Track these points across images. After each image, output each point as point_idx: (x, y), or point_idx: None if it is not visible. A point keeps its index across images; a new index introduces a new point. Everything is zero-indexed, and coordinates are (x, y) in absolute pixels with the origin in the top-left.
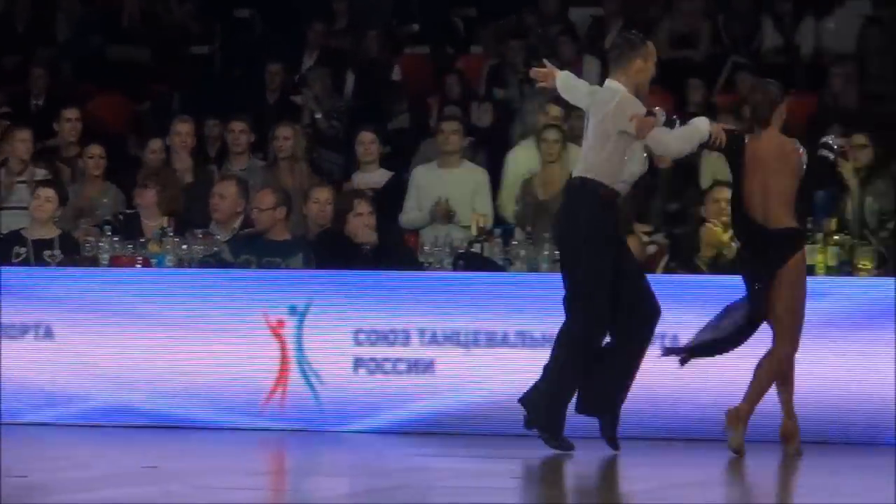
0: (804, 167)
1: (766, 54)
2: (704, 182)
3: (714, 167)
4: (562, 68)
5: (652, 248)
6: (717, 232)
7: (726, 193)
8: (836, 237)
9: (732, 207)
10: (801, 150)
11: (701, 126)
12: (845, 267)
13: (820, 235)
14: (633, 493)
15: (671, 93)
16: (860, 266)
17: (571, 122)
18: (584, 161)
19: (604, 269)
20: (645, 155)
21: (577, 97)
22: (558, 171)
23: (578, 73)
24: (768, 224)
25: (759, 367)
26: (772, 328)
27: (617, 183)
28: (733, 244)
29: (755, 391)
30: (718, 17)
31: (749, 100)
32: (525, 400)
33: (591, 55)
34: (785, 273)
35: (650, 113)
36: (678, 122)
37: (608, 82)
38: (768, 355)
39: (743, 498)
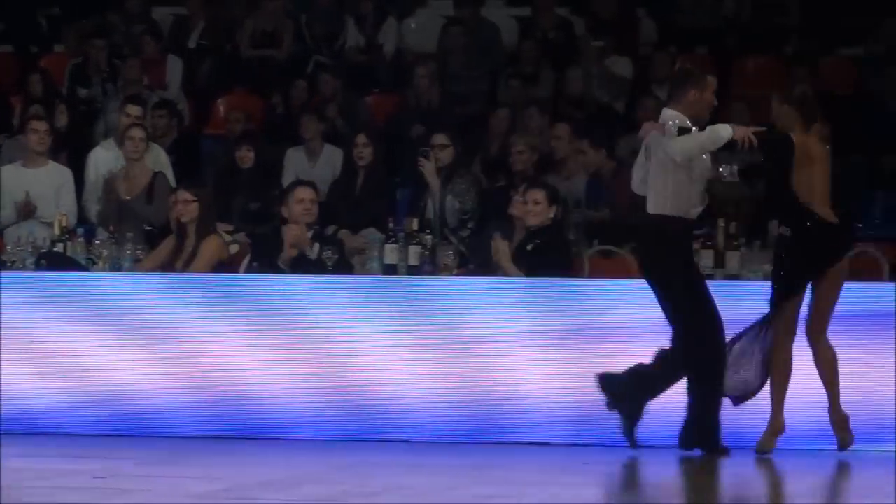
0: None
1: (349, 53)
2: (286, 181)
3: (296, 166)
4: (144, 67)
5: (234, 248)
6: (299, 232)
7: (310, 194)
8: (417, 236)
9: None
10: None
11: (719, 130)
12: (427, 266)
13: (402, 234)
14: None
15: (258, 94)
16: (443, 265)
17: (153, 121)
18: (656, 197)
19: (692, 287)
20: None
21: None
22: (141, 169)
23: (162, 73)
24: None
25: (820, 372)
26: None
27: (690, 212)
28: (315, 245)
29: (832, 391)
30: (301, 17)
31: (798, 99)
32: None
33: (174, 54)
34: (838, 270)
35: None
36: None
37: (664, 111)
38: (816, 355)
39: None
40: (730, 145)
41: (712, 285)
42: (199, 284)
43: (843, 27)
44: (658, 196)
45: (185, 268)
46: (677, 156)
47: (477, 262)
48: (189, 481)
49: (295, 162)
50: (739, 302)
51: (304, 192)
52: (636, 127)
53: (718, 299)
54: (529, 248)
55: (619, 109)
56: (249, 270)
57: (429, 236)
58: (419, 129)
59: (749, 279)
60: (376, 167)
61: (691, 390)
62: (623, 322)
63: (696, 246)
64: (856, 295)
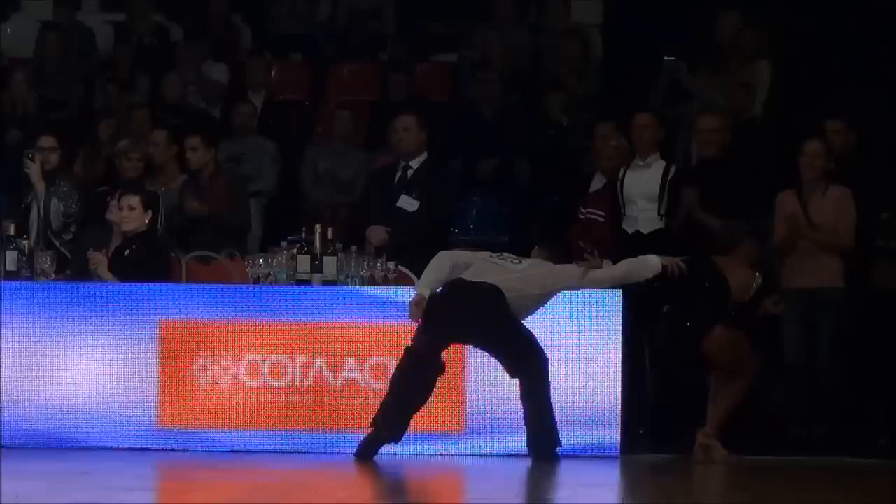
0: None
1: None
2: None
3: None
4: None
5: None
6: None
7: None
8: (15, 241)
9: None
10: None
11: (650, 262)
12: (25, 271)
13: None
14: None
15: None
16: (40, 271)
17: None
18: (513, 285)
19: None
20: None
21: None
22: None
23: None
24: None
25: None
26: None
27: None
28: None
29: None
30: None
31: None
32: (533, 450)
33: None
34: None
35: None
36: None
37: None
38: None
39: None
40: (661, 273)
41: (308, 291)
42: None
43: (437, 34)
44: (512, 288)
45: None
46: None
47: (75, 269)
48: None
49: None
50: (337, 306)
51: None
52: (232, 132)
53: (317, 305)
54: (126, 253)
55: (216, 115)
56: None
57: (26, 241)
58: (16, 135)
59: (346, 284)
60: None
61: (546, 401)
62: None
63: (293, 251)
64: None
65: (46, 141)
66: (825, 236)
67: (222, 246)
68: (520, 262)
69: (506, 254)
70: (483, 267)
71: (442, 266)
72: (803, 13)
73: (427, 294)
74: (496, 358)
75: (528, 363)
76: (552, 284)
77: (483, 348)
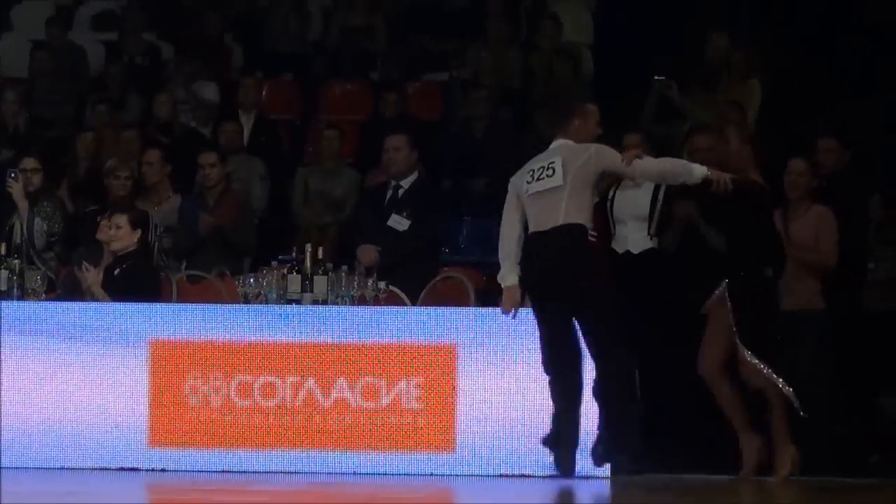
0: None
1: None
2: None
3: None
4: None
5: None
6: None
7: None
8: (6, 261)
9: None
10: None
11: (695, 168)
12: (17, 290)
13: None
14: None
15: None
16: (31, 290)
17: None
18: (566, 213)
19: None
20: None
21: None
22: None
23: None
24: None
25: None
26: None
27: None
28: None
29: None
30: None
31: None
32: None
33: None
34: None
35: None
36: None
37: (560, 141)
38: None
39: None
40: (705, 184)
41: (299, 310)
42: None
43: (429, 52)
44: (573, 209)
45: None
46: (653, 176)
47: (65, 288)
48: None
49: None
50: (328, 326)
51: None
52: (220, 151)
53: (307, 325)
54: (116, 272)
55: (207, 134)
56: None
57: (17, 261)
58: (6, 154)
59: (336, 304)
60: None
61: (616, 403)
62: None
63: (283, 271)
64: None
65: (29, 163)
66: (804, 254)
67: (223, 264)
68: (552, 171)
69: (534, 169)
70: (534, 208)
71: (511, 231)
72: (792, 29)
73: (512, 281)
74: (582, 322)
75: (608, 359)
76: (598, 167)
77: (569, 301)
